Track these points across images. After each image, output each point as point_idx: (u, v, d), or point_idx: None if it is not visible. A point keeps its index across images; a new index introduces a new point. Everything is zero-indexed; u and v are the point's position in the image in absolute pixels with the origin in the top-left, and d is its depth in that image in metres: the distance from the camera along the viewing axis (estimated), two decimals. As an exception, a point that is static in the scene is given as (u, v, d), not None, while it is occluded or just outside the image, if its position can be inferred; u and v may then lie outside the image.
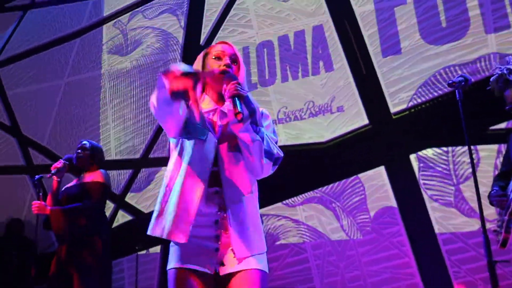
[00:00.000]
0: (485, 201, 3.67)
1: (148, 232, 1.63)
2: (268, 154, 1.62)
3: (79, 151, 3.31)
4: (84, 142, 3.38)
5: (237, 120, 1.52)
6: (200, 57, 1.77)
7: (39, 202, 3.07)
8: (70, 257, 3.08)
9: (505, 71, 2.49)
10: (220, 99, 1.71)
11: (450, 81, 2.44)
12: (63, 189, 3.31)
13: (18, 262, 5.47)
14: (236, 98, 1.54)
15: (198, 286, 1.55)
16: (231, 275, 1.57)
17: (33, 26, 6.83)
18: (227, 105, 1.59)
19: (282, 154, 1.68)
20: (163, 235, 1.58)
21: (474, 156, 3.88)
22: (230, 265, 1.57)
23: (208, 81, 1.73)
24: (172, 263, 1.60)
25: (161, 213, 1.62)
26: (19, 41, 6.89)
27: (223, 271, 1.57)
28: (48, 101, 6.49)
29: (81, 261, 3.06)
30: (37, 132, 6.48)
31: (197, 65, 1.76)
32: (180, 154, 1.65)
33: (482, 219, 2.16)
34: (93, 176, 3.28)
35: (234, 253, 1.57)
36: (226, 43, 1.79)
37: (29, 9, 6.89)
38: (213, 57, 1.73)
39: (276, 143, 1.70)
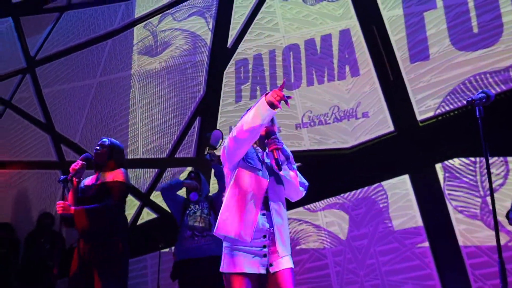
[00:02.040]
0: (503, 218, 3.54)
1: (217, 232, 2.18)
2: (302, 184, 2.32)
3: (98, 147, 3.36)
4: (104, 139, 3.39)
5: (278, 170, 2.16)
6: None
7: (63, 202, 3.13)
8: (92, 256, 3.12)
9: None
10: (262, 142, 2.33)
11: (469, 99, 2.27)
12: (82, 185, 3.35)
13: (47, 255, 5.65)
14: (276, 152, 2.17)
15: (252, 285, 2.11)
16: (277, 272, 2.14)
17: (68, 27, 7.05)
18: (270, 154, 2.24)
19: (308, 183, 2.36)
20: (233, 235, 2.13)
21: (503, 167, 3.76)
22: (276, 265, 2.15)
23: None
24: (230, 268, 2.14)
25: (229, 219, 2.17)
26: (56, 41, 7.13)
27: (273, 269, 2.14)
28: (81, 100, 6.68)
29: (102, 261, 3.10)
30: (69, 129, 6.68)
31: None
32: (240, 179, 2.22)
33: (497, 235, 2.08)
34: (114, 175, 3.28)
35: (279, 256, 2.16)
36: None
37: (65, 11, 7.11)
38: None
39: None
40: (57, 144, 6.75)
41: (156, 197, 5.67)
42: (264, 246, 2.16)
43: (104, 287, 3.04)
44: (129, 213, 5.83)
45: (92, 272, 3.10)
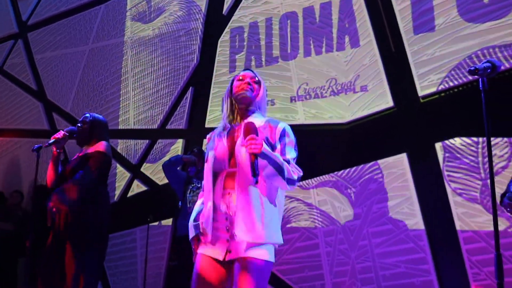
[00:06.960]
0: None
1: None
2: (290, 180, 1.87)
3: (79, 124, 3.20)
4: (86, 114, 3.25)
5: (253, 177, 1.74)
6: (230, 82, 2.10)
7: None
8: (65, 229, 2.99)
9: None
10: (244, 115, 2.02)
11: (472, 67, 1.96)
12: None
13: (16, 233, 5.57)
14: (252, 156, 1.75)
15: (211, 269, 1.88)
16: (234, 261, 1.86)
17: (61, -10, 6.77)
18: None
19: (300, 174, 1.91)
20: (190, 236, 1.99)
21: (507, 149, 3.52)
22: (235, 252, 1.84)
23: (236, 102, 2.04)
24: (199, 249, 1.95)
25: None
26: (48, 6, 6.86)
27: (228, 257, 1.86)
28: (73, 67, 6.46)
29: (76, 233, 2.97)
30: (61, 97, 6.49)
31: (229, 88, 2.09)
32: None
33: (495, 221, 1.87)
34: (95, 147, 3.16)
35: (239, 243, 1.83)
36: (248, 69, 2.16)
37: (57, -27, 6.81)
38: (238, 79, 2.06)
39: (294, 159, 1.93)
40: (48, 113, 6.56)
41: (147, 169, 5.51)
42: (228, 230, 1.88)
43: (77, 260, 2.91)
44: (120, 185, 5.68)
45: (65, 245, 2.96)
